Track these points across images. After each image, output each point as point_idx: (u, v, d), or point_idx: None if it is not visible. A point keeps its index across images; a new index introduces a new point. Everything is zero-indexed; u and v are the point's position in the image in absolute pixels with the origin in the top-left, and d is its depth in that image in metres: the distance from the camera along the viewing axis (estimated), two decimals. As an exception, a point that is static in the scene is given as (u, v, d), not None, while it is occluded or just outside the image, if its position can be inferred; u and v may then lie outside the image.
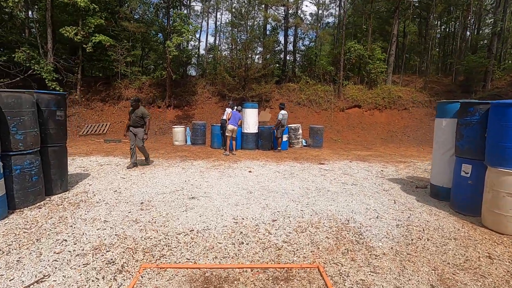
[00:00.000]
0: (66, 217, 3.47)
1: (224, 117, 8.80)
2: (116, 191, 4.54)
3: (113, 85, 14.24)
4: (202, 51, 23.27)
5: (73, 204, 3.91)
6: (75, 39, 11.40)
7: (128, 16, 14.41)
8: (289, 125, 9.93)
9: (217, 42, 23.98)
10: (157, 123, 13.31)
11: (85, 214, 3.58)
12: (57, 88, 11.24)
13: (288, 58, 19.13)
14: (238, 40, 15.64)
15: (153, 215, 3.60)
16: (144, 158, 6.56)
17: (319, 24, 23.07)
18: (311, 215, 3.76)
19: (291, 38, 19.76)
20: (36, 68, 10.82)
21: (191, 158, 7.50)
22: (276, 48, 18.30)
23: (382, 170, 6.55)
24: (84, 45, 11.95)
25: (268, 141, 9.22)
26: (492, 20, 16.97)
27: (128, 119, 6.32)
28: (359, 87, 15.93)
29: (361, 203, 4.25)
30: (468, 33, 19.35)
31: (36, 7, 13.13)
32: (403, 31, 21.39)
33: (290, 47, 19.67)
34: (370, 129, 13.73)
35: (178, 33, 12.06)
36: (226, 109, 9.12)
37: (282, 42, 19.11)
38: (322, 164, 7.15)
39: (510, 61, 20.08)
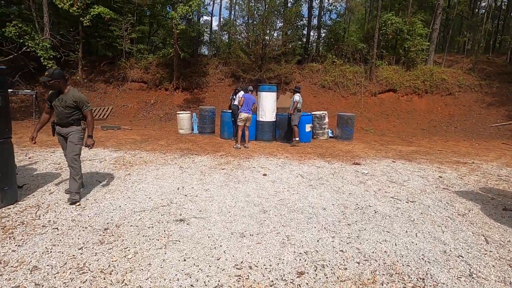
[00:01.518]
0: (-19, 257, 2.27)
1: (236, 103, 7.39)
2: (79, 204, 3.32)
3: (118, 65, 13.04)
4: (215, 27, 21.50)
5: (7, 229, 2.72)
6: (71, 10, 10.13)
7: (132, -14, 12.91)
8: (313, 112, 8.35)
9: (232, 17, 21.98)
10: (163, 108, 12.08)
11: (12, 251, 2.36)
12: (54, 68, 10.15)
13: (312, 34, 17.00)
14: (255, 12, 13.72)
15: (113, 256, 2.33)
16: (70, 177, 3.30)
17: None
18: (358, 263, 2.37)
19: (316, 12, 17.52)
20: (30, 44, 9.73)
21: (194, 152, 6.21)
22: (299, 23, 16.16)
23: (440, 176, 4.92)
24: (81, 18, 10.67)
25: (288, 131, 7.72)
26: None
27: (45, 112, 3.39)
28: (395, 68, 13.72)
29: (432, 239, 2.77)
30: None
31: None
32: (448, 3, 18.37)
33: (315, 21, 17.45)
34: (407, 117, 11.74)
35: (184, 1, 10.44)
36: (232, 96, 7.90)
37: (306, 15, 16.95)
38: (357, 164, 5.60)
39: None
